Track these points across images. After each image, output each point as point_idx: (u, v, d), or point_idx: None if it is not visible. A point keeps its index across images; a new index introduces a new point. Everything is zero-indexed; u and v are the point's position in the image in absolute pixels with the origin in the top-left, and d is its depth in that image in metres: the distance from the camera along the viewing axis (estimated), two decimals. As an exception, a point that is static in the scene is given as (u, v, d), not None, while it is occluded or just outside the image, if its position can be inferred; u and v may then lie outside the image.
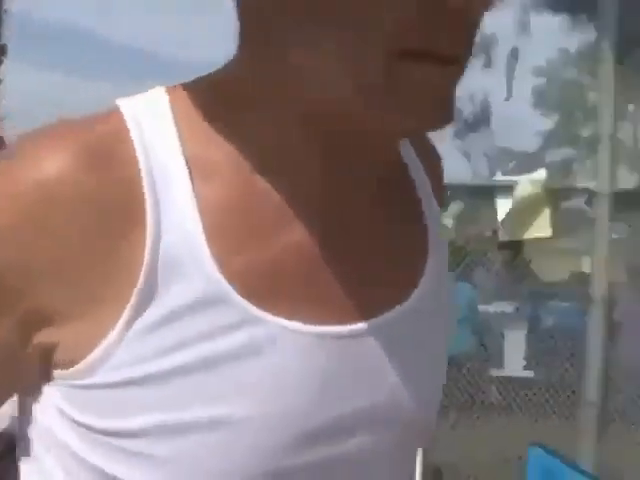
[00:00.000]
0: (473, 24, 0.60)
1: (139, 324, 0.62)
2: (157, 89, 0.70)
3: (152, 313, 0.62)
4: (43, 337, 0.64)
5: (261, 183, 0.66)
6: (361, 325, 0.67)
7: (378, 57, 0.58)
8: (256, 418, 0.63)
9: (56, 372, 0.65)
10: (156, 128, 0.66)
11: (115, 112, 0.66)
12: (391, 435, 0.70)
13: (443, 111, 0.61)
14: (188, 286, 0.62)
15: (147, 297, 0.62)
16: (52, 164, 0.62)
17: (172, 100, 0.68)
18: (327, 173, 0.68)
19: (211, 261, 0.62)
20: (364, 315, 0.67)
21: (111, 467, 0.64)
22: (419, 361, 0.72)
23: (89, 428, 0.64)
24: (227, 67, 0.69)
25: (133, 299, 0.61)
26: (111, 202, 0.63)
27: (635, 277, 6.66)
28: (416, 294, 0.71)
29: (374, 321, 0.67)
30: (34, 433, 0.69)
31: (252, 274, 0.64)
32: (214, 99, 0.68)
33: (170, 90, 0.69)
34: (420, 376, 0.72)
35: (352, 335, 0.67)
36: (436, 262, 0.74)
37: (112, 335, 0.62)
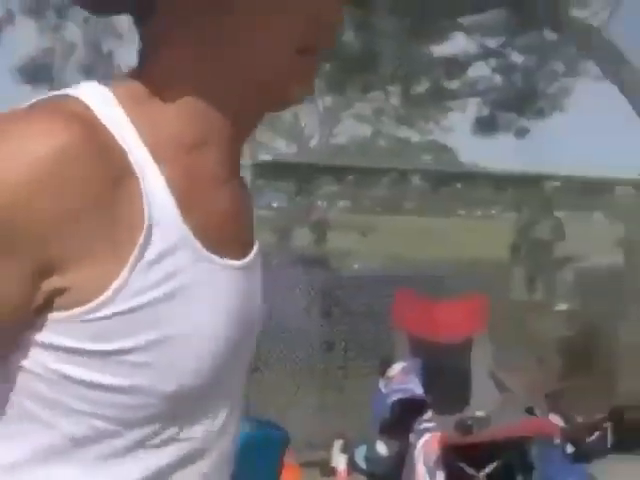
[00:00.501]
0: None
1: (142, 263, 0.80)
2: (91, 84, 0.86)
3: (149, 254, 0.80)
4: (54, 283, 0.77)
5: (196, 158, 0.87)
6: (248, 260, 0.94)
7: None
8: (211, 330, 0.87)
9: (59, 314, 0.78)
10: (113, 117, 0.82)
11: (73, 99, 0.82)
12: (252, 342, 0.99)
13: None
14: (168, 236, 0.82)
15: (146, 244, 0.80)
16: (62, 134, 0.75)
17: (115, 94, 0.84)
18: (232, 153, 0.92)
19: (180, 219, 0.83)
20: (247, 253, 0.94)
21: (113, 380, 0.80)
22: (260, 291, 1.00)
23: (97, 353, 0.79)
24: (153, 66, 0.87)
25: (138, 246, 0.79)
26: (111, 169, 0.79)
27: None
28: (255, 247, 0.98)
29: (249, 258, 0.95)
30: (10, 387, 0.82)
31: (203, 226, 0.86)
32: (149, 93, 0.86)
33: (109, 85, 0.86)
34: (261, 301, 1.01)
35: (247, 267, 0.93)
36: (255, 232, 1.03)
37: (125, 272, 0.79)
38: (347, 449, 4.29)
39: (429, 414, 3.78)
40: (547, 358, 5.14)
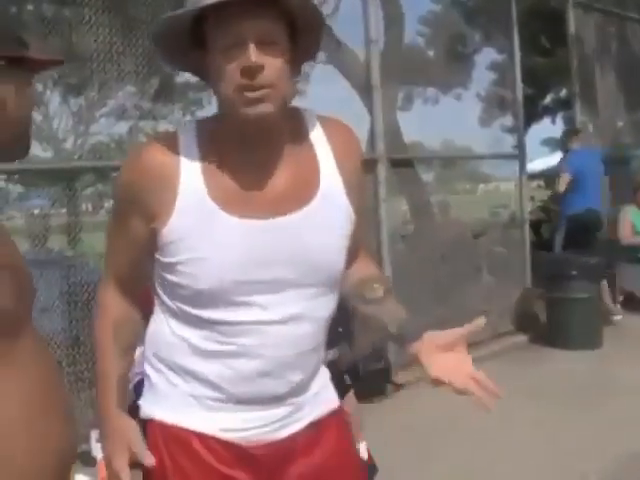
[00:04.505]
0: (257, 70, 1.52)
1: (175, 217, 1.63)
2: (190, 123, 1.68)
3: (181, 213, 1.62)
4: (153, 225, 1.61)
5: (227, 158, 1.62)
6: (276, 220, 1.61)
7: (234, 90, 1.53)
8: (217, 259, 1.58)
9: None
10: (188, 144, 1.63)
11: (175, 132, 1.66)
12: (278, 270, 1.63)
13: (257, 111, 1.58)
14: (195, 205, 1.61)
15: (178, 210, 1.62)
16: (149, 156, 1.63)
17: (197, 127, 1.66)
18: (250, 145, 1.62)
19: (206, 193, 1.60)
20: (281, 214, 1.62)
21: (175, 279, 1.65)
22: (313, 240, 1.64)
23: (167, 263, 1.65)
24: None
25: (175, 210, 1.62)
26: (165, 173, 1.62)
27: None
28: (311, 205, 1.64)
29: (283, 217, 1.62)
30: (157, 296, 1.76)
31: (224, 198, 1.59)
32: (211, 125, 1.67)
33: (197, 122, 1.67)
34: (314, 248, 1.64)
35: (270, 225, 1.61)
36: (327, 188, 1.67)
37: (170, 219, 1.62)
38: (105, 438, 4.41)
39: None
40: None
